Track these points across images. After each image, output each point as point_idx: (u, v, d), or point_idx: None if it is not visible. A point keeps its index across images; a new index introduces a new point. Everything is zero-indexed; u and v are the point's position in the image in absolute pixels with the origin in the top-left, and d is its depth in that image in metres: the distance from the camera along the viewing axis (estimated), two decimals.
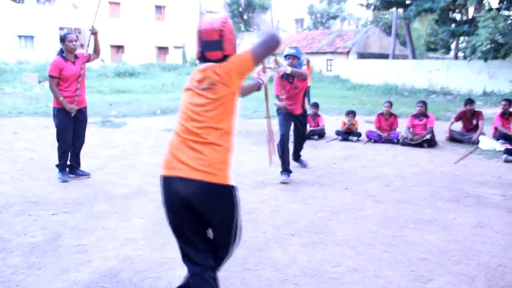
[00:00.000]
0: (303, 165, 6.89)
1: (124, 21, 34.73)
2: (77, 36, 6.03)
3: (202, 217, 2.44)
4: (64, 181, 5.76)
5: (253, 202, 5.12)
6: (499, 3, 17.98)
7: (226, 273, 3.32)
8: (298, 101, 6.24)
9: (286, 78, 6.07)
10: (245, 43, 35.76)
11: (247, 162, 7.12)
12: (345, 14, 40.33)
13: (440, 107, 14.78)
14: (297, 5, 42.77)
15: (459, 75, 19.91)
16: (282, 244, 3.96)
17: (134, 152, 7.72)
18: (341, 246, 3.92)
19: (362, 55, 27.18)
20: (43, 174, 6.11)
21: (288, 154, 6.16)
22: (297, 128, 6.45)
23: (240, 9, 38.40)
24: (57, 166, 5.92)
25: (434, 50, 37.72)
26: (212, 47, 2.48)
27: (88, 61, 5.92)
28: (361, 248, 3.88)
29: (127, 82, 23.15)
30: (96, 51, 5.95)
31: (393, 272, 3.44)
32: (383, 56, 28.02)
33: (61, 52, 5.72)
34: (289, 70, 5.57)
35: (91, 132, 8.30)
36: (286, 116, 6.16)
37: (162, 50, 36.73)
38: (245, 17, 40.22)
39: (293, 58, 5.90)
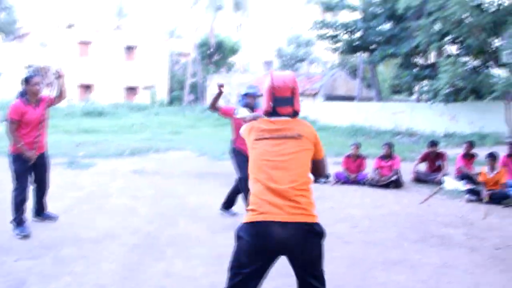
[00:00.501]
0: (231, 214, 6.52)
1: (94, 60, 34.69)
2: (43, 75, 5.49)
3: (294, 259, 2.60)
4: (24, 236, 5.11)
5: (223, 246, 5.08)
6: (456, 50, 18.92)
7: None
8: None
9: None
10: (214, 84, 36.14)
11: (217, 204, 7.12)
12: (312, 57, 41.50)
13: (405, 148, 15.17)
14: (266, 48, 43.86)
15: (422, 117, 20.57)
16: None
17: (102, 194, 7.61)
18: None
19: (329, 97, 27.86)
20: (5, 217, 5.95)
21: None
22: None
23: (210, 51, 38.97)
24: (12, 222, 5.24)
25: (398, 92, 39.04)
26: (284, 103, 2.76)
27: (51, 105, 5.52)
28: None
29: (95, 122, 22.95)
30: (62, 94, 5.53)
31: None
32: (350, 98, 28.78)
33: (22, 94, 5.25)
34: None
35: (57, 173, 8.19)
36: (245, 158, 6.05)
37: (131, 90, 36.71)
38: (214, 58, 40.82)
39: (252, 97, 5.93)
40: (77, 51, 33.64)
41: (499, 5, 17.40)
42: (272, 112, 2.79)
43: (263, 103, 2.86)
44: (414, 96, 33.70)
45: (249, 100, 5.91)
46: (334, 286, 3.99)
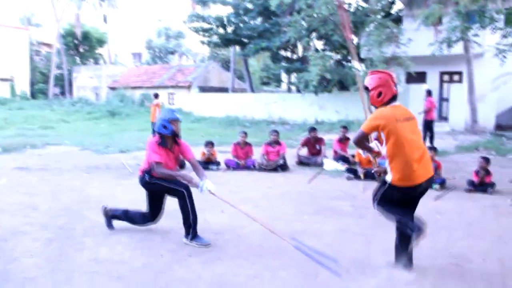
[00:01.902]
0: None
1: None
2: None
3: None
4: None
5: (140, 231, 5.27)
6: (323, 45, 20.64)
7: None
8: None
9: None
10: (82, 76, 34.55)
11: (118, 195, 7.19)
12: (183, 49, 41.56)
13: (282, 136, 16.23)
14: (135, 40, 42.85)
15: (294, 107, 22.08)
16: (183, 265, 4.26)
17: None
18: (236, 259, 4.37)
19: (203, 89, 28.36)
20: None
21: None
22: None
23: (76, 42, 36.97)
24: None
25: (267, 84, 41.06)
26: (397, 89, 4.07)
27: None
28: (254, 258, 4.38)
29: None
30: None
31: (286, 273, 4.01)
32: (223, 89, 29.62)
33: None
34: None
35: None
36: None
37: None
38: (81, 50, 38.81)
39: (177, 122, 5.04)
40: None
41: (358, 6, 19.44)
42: (393, 97, 3.93)
43: (387, 91, 3.90)
44: (283, 87, 35.78)
45: (174, 126, 4.95)
46: (256, 255, 4.48)
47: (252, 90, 27.74)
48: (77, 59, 38.86)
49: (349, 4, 19.59)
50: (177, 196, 4.90)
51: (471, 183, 7.44)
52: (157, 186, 4.97)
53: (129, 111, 26.17)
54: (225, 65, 37.41)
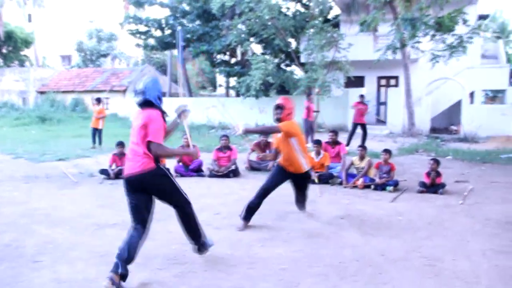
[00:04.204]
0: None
1: None
2: None
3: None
4: None
5: (99, 245, 4.94)
6: (262, 49, 20.75)
7: None
8: None
9: None
10: (6, 79, 32.54)
11: (66, 207, 6.76)
12: (116, 52, 40.23)
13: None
14: (64, 42, 40.92)
15: (234, 111, 21.94)
16: (156, 279, 4.02)
17: None
18: (210, 271, 4.19)
19: None
20: None
21: None
22: None
23: None
24: None
25: (203, 88, 40.73)
26: None
27: None
28: (229, 269, 4.22)
29: None
30: None
31: (267, 284, 3.89)
32: None
33: None
34: None
35: None
36: None
37: None
38: (4, 51, 36.49)
39: None
40: None
41: (296, 11, 19.75)
42: None
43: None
44: (220, 91, 35.62)
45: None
46: (230, 266, 4.33)
47: (190, 94, 27.37)
48: (0, 61, 36.51)
49: (288, 8, 19.87)
50: (180, 202, 4.28)
51: (422, 184, 7.70)
52: (168, 182, 4.12)
53: (61, 116, 24.88)
54: (160, 68, 36.68)
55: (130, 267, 4.25)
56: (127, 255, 3.85)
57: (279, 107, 5.61)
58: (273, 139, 6.09)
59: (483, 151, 12.52)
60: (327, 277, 4.03)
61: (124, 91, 27.58)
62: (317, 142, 9.00)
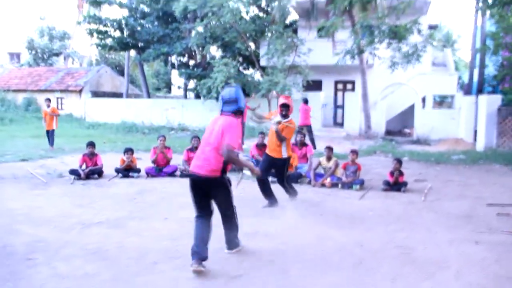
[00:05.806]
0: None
1: None
2: None
3: None
4: None
5: (92, 242, 5.06)
6: (223, 52, 20.98)
7: None
8: None
9: None
10: None
11: (45, 207, 6.78)
12: (69, 51, 39.26)
13: (182, 143, 16.00)
14: (13, 38, 39.50)
15: (193, 113, 22.03)
16: (154, 272, 4.22)
17: None
18: (205, 263, 4.42)
19: (96, 94, 27.15)
20: None
21: None
22: None
23: None
24: None
25: (158, 89, 40.47)
26: None
27: None
28: (224, 262, 4.49)
29: None
30: None
31: (259, 273, 4.18)
32: (117, 95, 28.62)
33: None
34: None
35: None
36: None
37: None
38: None
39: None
40: None
41: (255, 16, 20.14)
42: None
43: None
44: (175, 93, 35.45)
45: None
46: (223, 259, 4.58)
47: (148, 96, 27.20)
48: None
49: (247, 11, 20.19)
50: (228, 206, 4.66)
51: (386, 183, 8.22)
52: (224, 192, 4.54)
53: (14, 116, 24.13)
54: (116, 69, 36.14)
55: (124, 261, 4.46)
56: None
57: (285, 105, 6.77)
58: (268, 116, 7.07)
59: (436, 153, 13.33)
60: (314, 264, 4.38)
61: (80, 91, 27.04)
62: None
